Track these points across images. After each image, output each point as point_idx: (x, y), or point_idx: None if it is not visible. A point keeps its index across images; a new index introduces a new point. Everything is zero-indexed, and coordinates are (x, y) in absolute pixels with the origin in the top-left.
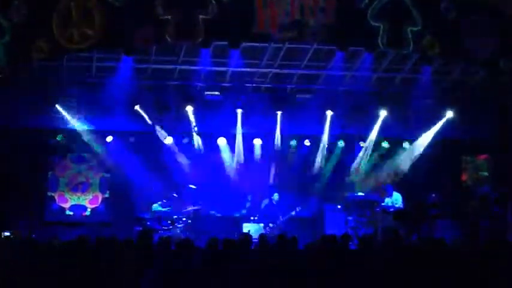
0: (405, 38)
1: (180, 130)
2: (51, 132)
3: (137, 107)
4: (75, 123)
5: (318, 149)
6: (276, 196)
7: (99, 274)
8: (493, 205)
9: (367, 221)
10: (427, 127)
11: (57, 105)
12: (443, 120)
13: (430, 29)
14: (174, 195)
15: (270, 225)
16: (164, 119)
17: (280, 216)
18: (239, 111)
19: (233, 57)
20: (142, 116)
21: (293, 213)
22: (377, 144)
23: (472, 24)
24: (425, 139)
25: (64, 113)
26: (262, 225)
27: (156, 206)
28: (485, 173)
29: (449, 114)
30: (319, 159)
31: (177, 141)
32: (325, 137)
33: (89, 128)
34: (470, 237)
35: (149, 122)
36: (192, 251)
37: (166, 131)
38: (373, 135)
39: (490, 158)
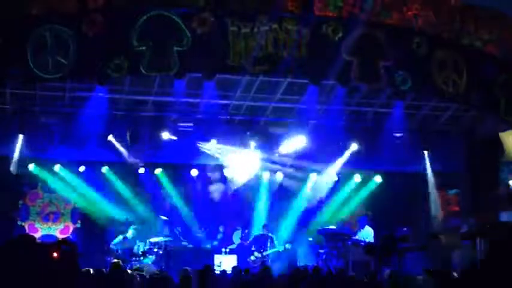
0: (378, 73)
1: (154, 161)
2: (22, 161)
3: (110, 137)
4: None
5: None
6: (263, 230)
7: None
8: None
9: (338, 254)
10: (399, 161)
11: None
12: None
13: (402, 64)
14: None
15: (257, 254)
16: (137, 149)
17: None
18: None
19: (207, 89)
20: (115, 146)
21: (282, 248)
22: (349, 177)
23: (443, 59)
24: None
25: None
26: (235, 256)
27: (116, 241)
28: (456, 207)
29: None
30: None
31: (150, 171)
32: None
33: (62, 158)
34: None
35: (123, 151)
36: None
37: (139, 161)
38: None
39: (460, 192)
